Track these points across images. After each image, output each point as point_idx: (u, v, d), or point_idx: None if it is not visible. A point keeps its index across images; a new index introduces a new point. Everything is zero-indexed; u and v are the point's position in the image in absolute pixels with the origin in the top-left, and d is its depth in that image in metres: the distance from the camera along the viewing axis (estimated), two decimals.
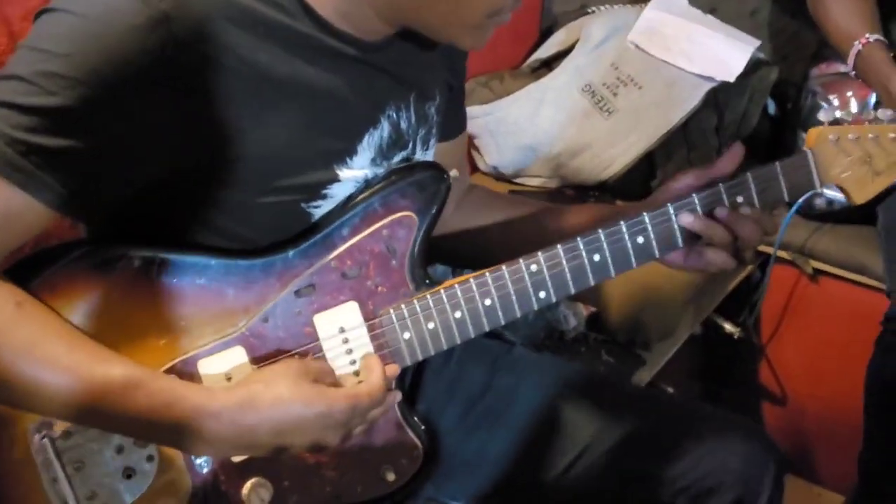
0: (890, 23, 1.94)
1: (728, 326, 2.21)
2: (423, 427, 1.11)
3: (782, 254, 2.17)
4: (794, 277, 2.23)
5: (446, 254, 1.29)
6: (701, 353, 2.34)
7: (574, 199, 2.11)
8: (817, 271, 2.18)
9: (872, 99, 1.94)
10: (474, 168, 2.24)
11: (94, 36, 0.86)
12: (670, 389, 2.02)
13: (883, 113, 1.10)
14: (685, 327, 2.03)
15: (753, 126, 2.23)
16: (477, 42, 1.01)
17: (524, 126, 2.09)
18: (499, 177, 2.19)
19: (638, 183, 2.11)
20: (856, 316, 2.14)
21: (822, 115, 1.10)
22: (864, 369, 1.91)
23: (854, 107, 1.96)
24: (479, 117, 2.13)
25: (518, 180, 2.18)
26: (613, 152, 2.07)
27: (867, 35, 1.86)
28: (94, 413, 0.91)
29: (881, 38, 1.87)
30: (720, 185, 1.07)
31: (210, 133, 0.93)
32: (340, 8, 0.97)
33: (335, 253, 1.03)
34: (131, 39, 0.86)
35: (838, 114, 1.93)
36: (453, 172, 1.07)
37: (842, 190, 1.13)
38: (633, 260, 1.07)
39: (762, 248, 2.21)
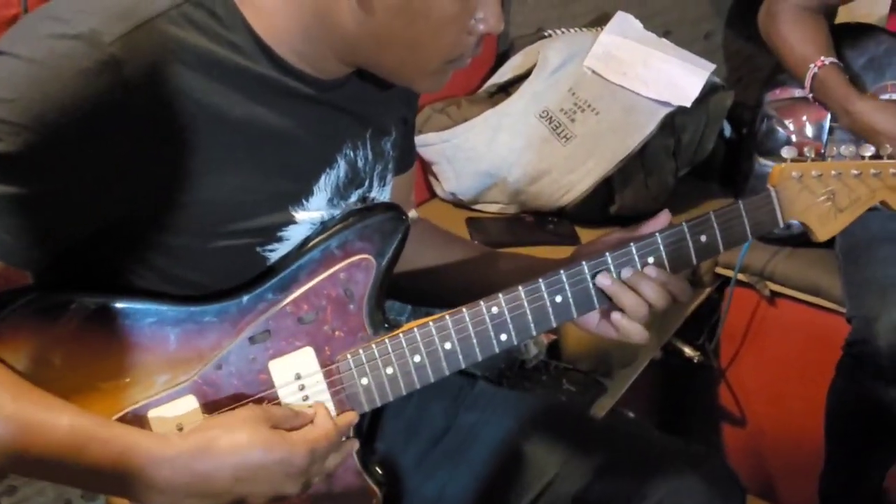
0: (842, 48, 1.96)
1: (688, 350, 2.21)
2: (381, 473, 1.09)
3: (741, 277, 2.17)
4: (754, 300, 2.23)
5: (391, 289, 1.26)
6: (661, 378, 2.34)
7: (533, 225, 2.10)
8: (776, 294, 2.19)
9: (827, 123, 1.96)
10: (432, 194, 2.22)
11: (41, 81, 0.83)
12: (631, 414, 2.02)
13: (846, 149, 1.10)
14: (646, 353, 2.02)
15: (709, 150, 2.23)
16: (434, 86, 1.00)
17: (482, 152, 2.08)
18: (457, 203, 2.18)
19: (596, 208, 2.10)
20: (814, 338, 2.16)
21: (784, 152, 1.09)
22: (823, 391, 1.92)
23: (809, 131, 1.99)
24: (436, 144, 2.11)
25: (476, 206, 2.16)
26: (572, 178, 2.06)
27: (822, 58, 1.88)
28: (41, 464, 0.88)
29: (836, 61, 1.89)
30: (683, 224, 1.06)
31: (161, 178, 0.90)
32: (298, 48, 0.95)
33: (291, 297, 1.00)
34: (79, 84, 0.83)
35: (794, 138, 1.96)
36: (412, 213, 1.04)
37: (805, 226, 1.12)
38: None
39: (721, 271, 2.22)
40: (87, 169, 0.86)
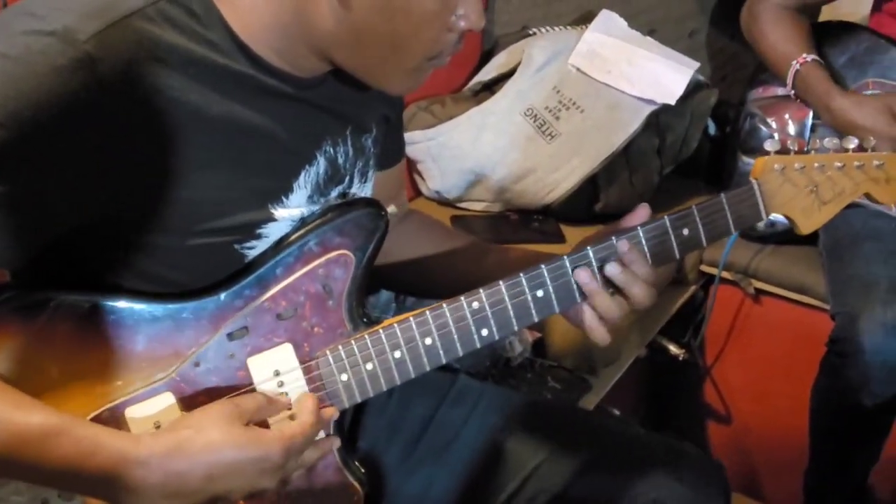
0: (824, 46, 1.96)
1: (673, 348, 2.21)
2: (363, 471, 1.08)
3: (726, 274, 2.18)
4: (738, 298, 2.24)
5: (381, 279, 1.26)
6: (646, 375, 2.34)
7: (517, 223, 2.09)
8: (760, 291, 2.19)
9: (809, 120, 1.96)
10: (417, 193, 2.21)
11: (15, 78, 0.82)
12: (616, 412, 2.01)
13: (830, 142, 1.10)
14: (630, 350, 2.02)
15: (694, 148, 2.23)
16: (413, 85, 1.00)
17: (466, 151, 2.07)
18: (441, 201, 2.17)
19: (581, 206, 2.10)
20: (799, 335, 2.16)
21: (768, 145, 1.09)
22: (807, 388, 1.92)
23: (792, 129, 1.99)
24: (421, 142, 2.10)
25: (461, 205, 2.16)
26: (556, 176, 2.06)
27: (804, 55, 1.88)
28: (14, 463, 0.86)
29: (818, 58, 1.89)
30: (665, 218, 1.06)
31: (138, 177, 0.89)
32: (275, 46, 0.94)
33: (269, 294, 0.99)
34: (53, 82, 0.82)
35: (777, 136, 1.96)
36: (391, 209, 1.04)
37: (788, 219, 1.12)
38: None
39: (705, 268, 2.23)
40: (62, 167, 0.85)
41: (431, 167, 2.12)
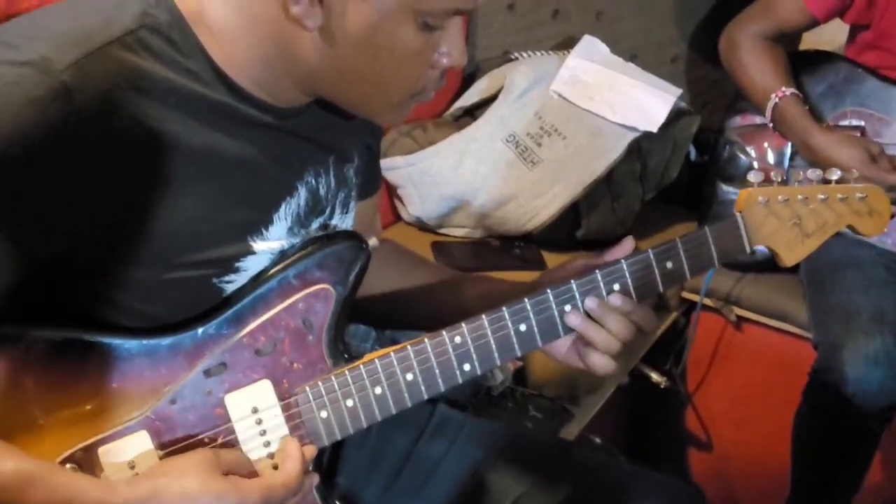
0: (801, 74, 1.97)
1: (654, 375, 2.20)
2: None
3: (707, 301, 2.17)
4: (720, 325, 2.23)
5: (356, 312, 1.24)
6: (628, 403, 2.33)
7: (499, 250, 2.08)
8: (742, 319, 2.18)
9: (788, 149, 1.97)
10: (397, 218, 2.20)
11: None
12: (598, 440, 2.00)
13: (812, 173, 1.09)
14: (612, 378, 2.01)
15: (675, 175, 2.23)
16: (396, 119, 0.99)
17: (447, 177, 2.06)
18: (422, 227, 2.15)
19: (563, 233, 2.09)
20: (780, 363, 2.16)
21: (751, 177, 1.08)
22: (789, 415, 1.92)
23: (771, 157, 2.00)
24: (401, 168, 2.08)
25: (442, 230, 2.14)
26: (538, 203, 2.05)
27: (783, 88, 1.89)
28: None
29: (796, 91, 1.90)
30: (649, 251, 1.05)
31: (115, 208, 0.87)
32: (257, 77, 0.93)
33: (247, 329, 0.97)
34: (29, 113, 0.81)
35: (756, 164, 1.97)
36: (372, 241, 1.02)
37: (771, 251, 1.11)
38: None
39: (687, 295, 2.22)
40: (37, 200, 0.83)
41: (412, 193, 2.11)
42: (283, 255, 1.00)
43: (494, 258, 2.04)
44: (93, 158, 0.84)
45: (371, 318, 1.27)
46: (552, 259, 2.06)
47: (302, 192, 1.02)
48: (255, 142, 0.95)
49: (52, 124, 0.81)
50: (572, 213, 2.08)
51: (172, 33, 0.89)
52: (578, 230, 2.10)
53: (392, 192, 2.17)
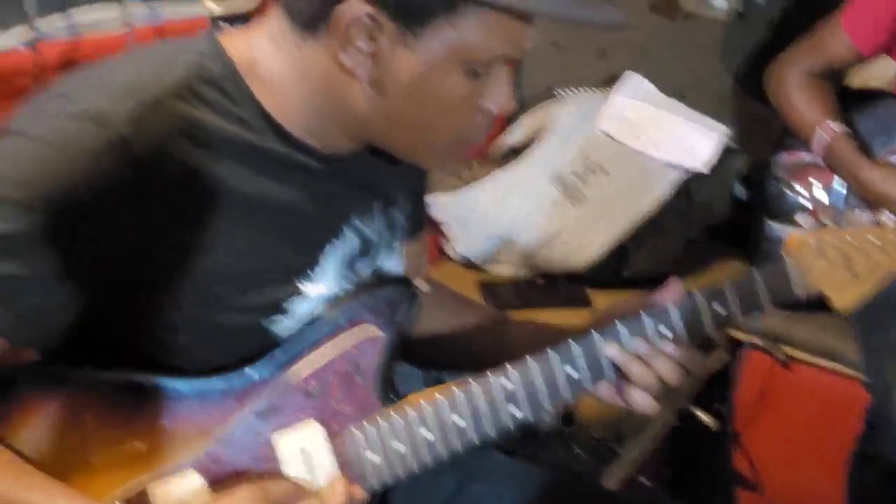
0: (851, 112, 1.95)
1: (702, 415, 2.17)
2: None
3: (756, 340, 2.14)
4: (768, 364, 2.19)
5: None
6: (676, 443, 2.29)
7: (544, 288, 2.08)
8: (791, 358, 2.15)
9: (835, 186, 1.94)
10: (443, 255, 2.20)
11: (49, 161, 0.83)
12: (646, 481, 1.98)
13: (863, 216, 1.08)
14: (660, 419, 1.99)
15: (722, 213, 2.21)
16: (443, 164, 1.00)
17: (493, 215, 2.06)
18: (468, 265, 2.15)
19: (609, 271, 2.08)
20: (831, 403, 2.11)
21: (800, 219, 1.07)
22: (840, 457, 1.88)
23: (818, 194, 1.97)
24: (446, 205, 2.09)
25: (487, 268, 2.14)
26: (583, 241, 2.04)
27: (832, 125, 1.87)
28: None
29: (847, 128, 1.88)
30: (697, 294, 1.04)
31: (167, 253, 0.89)
32: (307, 124, 0.95)
33: (297, 372, 0.98)
34: (87, 165, 0.83)
35: (804, 202, 1.94)
36: (421, 285, 1.02)
37: (822, 295, 1.10)
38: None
39: (735, 333, 2.19)
40: (92, 248, 0.86)
41: (457, 230, 2.11)
42: (332, 298, 1.01)
43: (540, 297, 2.03)
44: (146, 205, 0.86)
45: (417, 358, 1.27)
46: (598, 297, 2.05)
47: (349, 235, 1.03)
48: (303, 187, 0.97)
49: (109, 175, 0.84)
50: (618, 251, 2.07)
51: (225, 84, 0.91)
52: (624, 268, 2.09)
53: (437, 229, 2.18)
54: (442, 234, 2.17)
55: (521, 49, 0.92)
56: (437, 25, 0.87)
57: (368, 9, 0.85)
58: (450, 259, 2.19)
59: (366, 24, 0.86)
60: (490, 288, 2.06)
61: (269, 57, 0.93)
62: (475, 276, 2.12)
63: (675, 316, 1.04)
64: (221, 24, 1.00)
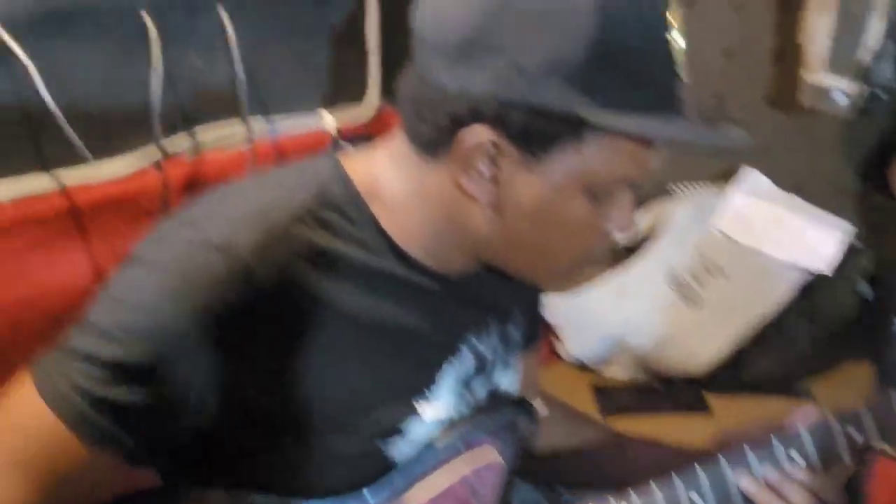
0: None
1: None
2: None
3: (886, 448, 2.03)
4: None
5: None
6: None
7: (660, 393, 2.02)
8: None
9: None
10: (556, 357, 2.17)
11: (173, 290, 0.84)
12: None
13: None
14: None
15: (847, 315, 2.13)
16: (564, 286, 0.99)
17: (607, 315, 2.03)
18: (581, 367, 2.12)
19: (727, 375, 2.01)
20: None
21: None
22: None
23: None
24: (559, 306, 2.07)
25: (601, 370, 2.10)
26: (701, 344, 1.99)
27: None
28: None
29: None
30: (832, 419, 0.99)
31: (284, 377, 0.89)
32: (426, 246, 0.95)
33: (414, 496, 0.96)
34: (211, 293, 0.84)
35: None
36: (540, 408, 1.00)
37: None
38: None
39: None
40: (209, 374, 0.86)
41: (570, 332, 2.08)
42: (449, 420, 0.99)
43: (655, 402, 1.98)
44: (265, 329, 0.87)
45: (534, 475, 1.24)
46: (716, 401, 1.98)
47: (465, 353, 1.02)
48: (421, 307, 0.97)
49: (231, 303, 0.84)
50: (737, 355, 2.00)
51: (347, 207, 0.92)
52: (743, 372, 2.02)
53: (550, 331, 2.15)
54: (555, 335, 2.14)
55: (646, 173, 0.90)
56: (561, 151, 0.86)
57: (491, 135, 0.85)
58: (562, 360, 2.16)
59: (488, 149, 0.86)
60: (604, 391, 2.01)
61: (390, 179, 0.94)
62: (588, 379, 2.07)
63: (808, 441, 0.99)
64: (342, 143, 1.00)
